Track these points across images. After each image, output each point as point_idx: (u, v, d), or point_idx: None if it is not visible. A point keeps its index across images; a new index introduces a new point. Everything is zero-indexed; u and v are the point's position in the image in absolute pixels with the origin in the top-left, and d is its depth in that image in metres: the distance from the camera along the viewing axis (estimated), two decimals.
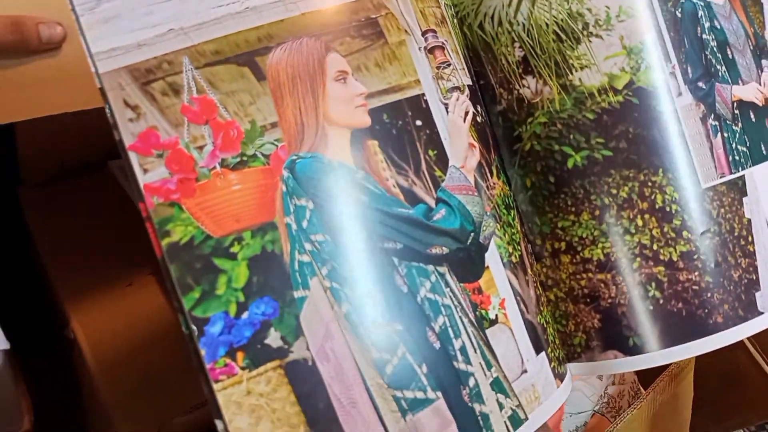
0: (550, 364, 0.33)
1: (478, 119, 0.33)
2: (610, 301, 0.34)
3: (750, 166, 0.34)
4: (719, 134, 0.34)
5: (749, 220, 0.35)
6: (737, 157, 0.34)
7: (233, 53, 0.26)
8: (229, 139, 0.25)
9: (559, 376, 0.33)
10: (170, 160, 0.24)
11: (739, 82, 0.35)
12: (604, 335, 0.34)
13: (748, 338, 0.69)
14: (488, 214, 0.31)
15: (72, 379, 0.38)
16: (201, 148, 0.25)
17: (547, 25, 0.32)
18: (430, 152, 0.30)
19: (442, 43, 0.32)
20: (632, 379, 0.69)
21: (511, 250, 0.33)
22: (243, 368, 0.23)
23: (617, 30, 0.32)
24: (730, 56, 0.35)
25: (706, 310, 0.33)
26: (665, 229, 0.32)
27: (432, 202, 0.29)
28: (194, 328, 0.23)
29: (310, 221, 0.26)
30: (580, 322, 0.35)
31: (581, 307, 0.34)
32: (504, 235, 0.32)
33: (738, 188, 0.34)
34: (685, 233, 0.32)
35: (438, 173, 0.30)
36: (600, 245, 0.33)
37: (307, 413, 0.24)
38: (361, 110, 0.28)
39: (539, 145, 0.33)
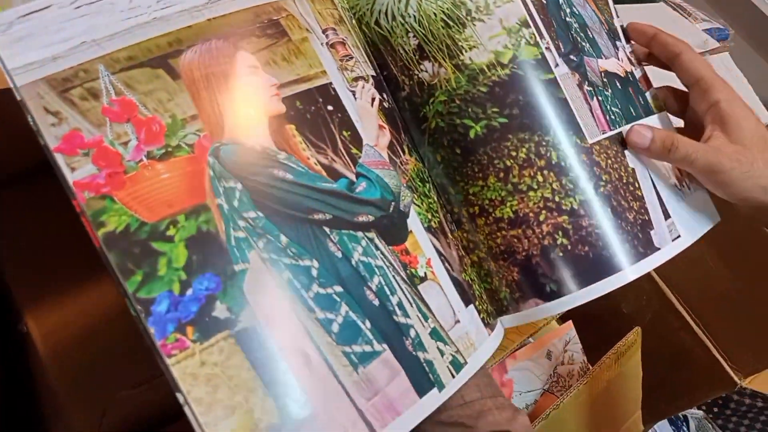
0: (479, 315, 0.35)
1: (385, 105, 0.37)
2: (524, 254, 0.37)
3: (625, 124, 0.40)
4: (594, 98, 0.39)
5: (633, 169, 0.40)
6: (613, 117, 0.39)
7: (146, 57, 0.28)
8: (152, 133, 0.27)
9: (490, 326, 0.36)
10: (97, 157, 0.25)
11: (602, 56, 0.41)
12: (524, 286, 0.37)
13: (693, 318, 0.73)
14: (404, 185, 0.34)
15: (26, 373, 0.37)
16: (126, 143, 0.26)
17: (435, 14, 0.36)
18: (345, 133, 0.33)
19: (343, 39, 0.36)
20: (581, 359, 0.73)
21: (429, 217, 0.35)
22: (194, 341, 0.24)
23: (496, 14, 0.36)
24: (591, 36, 0.41)
25: (610, 251, 0.37)
26: (563, 182, 0.36)
27: (353, 177, 0.32)
28: (140, 308, 0.24)
29: (241, 200, 0.27)
30: (502, 277, 0.38)
31: (501, 264, 0.38)
32: (422, 204, 0.35)
33: (619, 142, 0.39)
34: (581, 183, 0.37)
35: (354, 151, 0.33)
36: (508, 204, 0.37)
37: (263, 376, 0.25)
38: (275, 99, 0.30)
39: (443, 122, 0.37)
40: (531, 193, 0.36)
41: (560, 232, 0.36)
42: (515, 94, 0.36)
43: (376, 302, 0.30)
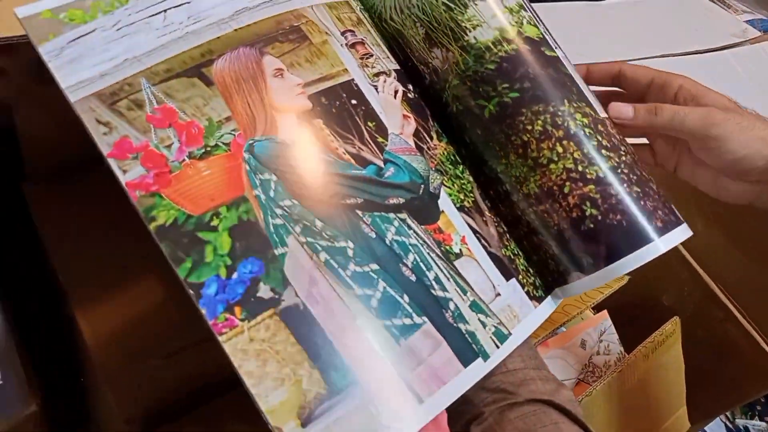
0: (523, 288, 0.36)
1: (410, 96, 0.38)
2: (555, 228, 0.37)
3: None
4: None
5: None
6: None
7: (182, 69, 0.30)
8: (192, 135, 0.29)
9: (536, 299, 0.36)
10: (145, 160, 0.28)
11: None
12: (564, 259, 0.37)
13: (737, 309, 0.70)
14: (433, 169, 0.36)
15: (74, 359, 0.40)
16: (169, 146, 0.29)
17: (436, 0, 0.37)
18: (370, 123, 0.34)
19: (362, 39, 0.38)
20: (618, 350, 0.70)
21: (462, 197, 0.36)
22: (242, 320, 0.26)
23: None
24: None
25: (646, 216, 0.36)
26: (585, 150, 0.36)
27: (380, 163, 0.33)
28: (192, 292, 0.26)
29: (276, 190, 0.29)
30: (545, 251, 0.38)
31: (540, 238, 0.38)
32: (453, 185, 0.36)
33: None
34: (603, 151, 0.37)
35: (381, 140, 0.34)
36: (532, 180, 0.37)
37: (308, 350, 0.27)
38: (301, 97, 0.32)
39: (461, 105, 0.38)
40: (552, 166, 0.36)
41: (588, 203, 0.36)
42: (524, 67, 0.37)
43: (413, 278, 0.31)
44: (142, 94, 0.29)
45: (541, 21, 0.39)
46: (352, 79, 0.35)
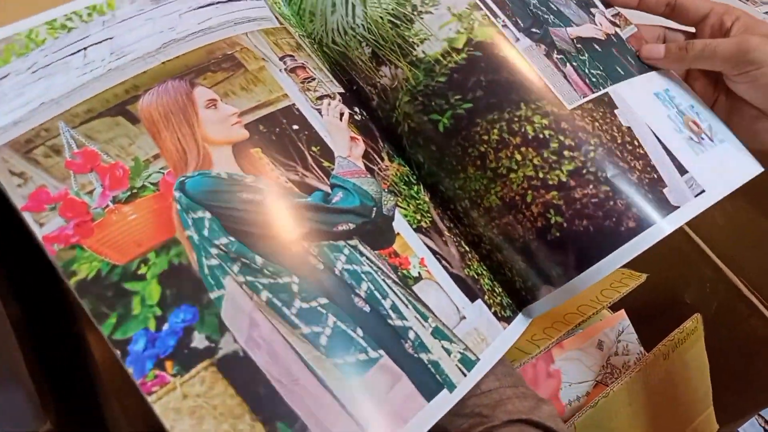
0: (490, 309, 0.34)
1: (357, 117, 0.36)
2: (521, 240, 0.35)
3: (610, 85, 0.38)
4: (568, 64, 0.37)
5: (629, 128, 0.37)
6: (594, 79, 0.38)
7: (105, 108, 0.29)
8: (116, 178, 0.27)
9: (505, 319, 0.34)
10: (63, 210, 0.26)
11: (572, 24, 0.40)
12: (532, 273, 0.35)
13: (764, 304, 0.67)
14: (386, 191, 0.34)
15: (86, 376, 0.39)
16: (91, 192, 0.27)
17: (381, 18, 0.36)
18: (314, 148, 0.32)
19: (302, 63, 0.36)
20: (638, 350, 0.68)
21: (419, 218, 0.34)
22: (174, 375, 0.24)
23: (443, 3, 0.36)
24: (555, 8, 0.40)
25: (614, 219, 0.34)
26: (545, 155, 0.34)
27: (327, 189, 0.31)
28: (117, 351, 0.24)
29: (211, 228, 0.27)
30: (510, 267, 0.36)
31: (505, 254, 0.36)
32: (408, 206, 0.34)
33: (605, 103, 0.37)
34: (566, 152, 0.35)
35: (326, 164, 0.32)
36: (492, 191, 0.35)
37: (249, 401, 0.24)
38: (237, 127, 0.31)
39: (413, 122, 0.36)
40: (512, 175, 0.35)
41: (552, 210, 0.34)
42: (476, 76, 0.35)
43: (367, 308, 0.28)
44: (60, 138, 0.27)
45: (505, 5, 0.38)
46: (293, 104, 0.33)
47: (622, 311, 0.68)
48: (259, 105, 0.32)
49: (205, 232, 0.27)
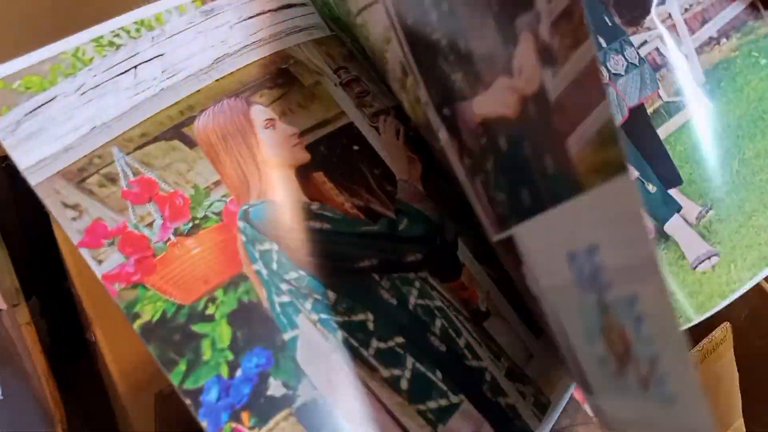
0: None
1: (411, 134, 0.34)
2: None
3: (515, 224, 0.23)
4: (477, 178, 0.25)
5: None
6: (501, 210, 0.24)
7: (159, 131, 0.27)
8: (176, 208, 0.25)
9: None
10: (123, 244, 0.24)
11: (479, 87, 0.22)
12: None
13: None
14: (447, 216, 0.32)
15: (98, 383, 0.37)
16: (150, 224, 0.25)
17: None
18: (375, 171, 0.30)
19: (356, 75, 0.34)
20: None
21: (479, 244, 0.32)
22: (251, 428, 0.22)
23: None
24: (463, 50, 0.22)
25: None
26: None
27: (392, 215, 0.29)
28: (189, 402, 0.22)
29: (279, 262, 0.25)
30: None
31: None
32: (469, 232, 0.33)
33: (515, 251, 0.24)
34: None
35: (389, 188, 0.30)
36: None
37: None
38: (298, 148, 0.29)
39: None
40: None
41: None
42: None
43: (443, 348, 0.27)
44: (115, 165, 0.25)
45: None
46: (351, 123, 0.31)
47: None
48: (318, 124, 0.30)
49: (274, 266, 0.25)
